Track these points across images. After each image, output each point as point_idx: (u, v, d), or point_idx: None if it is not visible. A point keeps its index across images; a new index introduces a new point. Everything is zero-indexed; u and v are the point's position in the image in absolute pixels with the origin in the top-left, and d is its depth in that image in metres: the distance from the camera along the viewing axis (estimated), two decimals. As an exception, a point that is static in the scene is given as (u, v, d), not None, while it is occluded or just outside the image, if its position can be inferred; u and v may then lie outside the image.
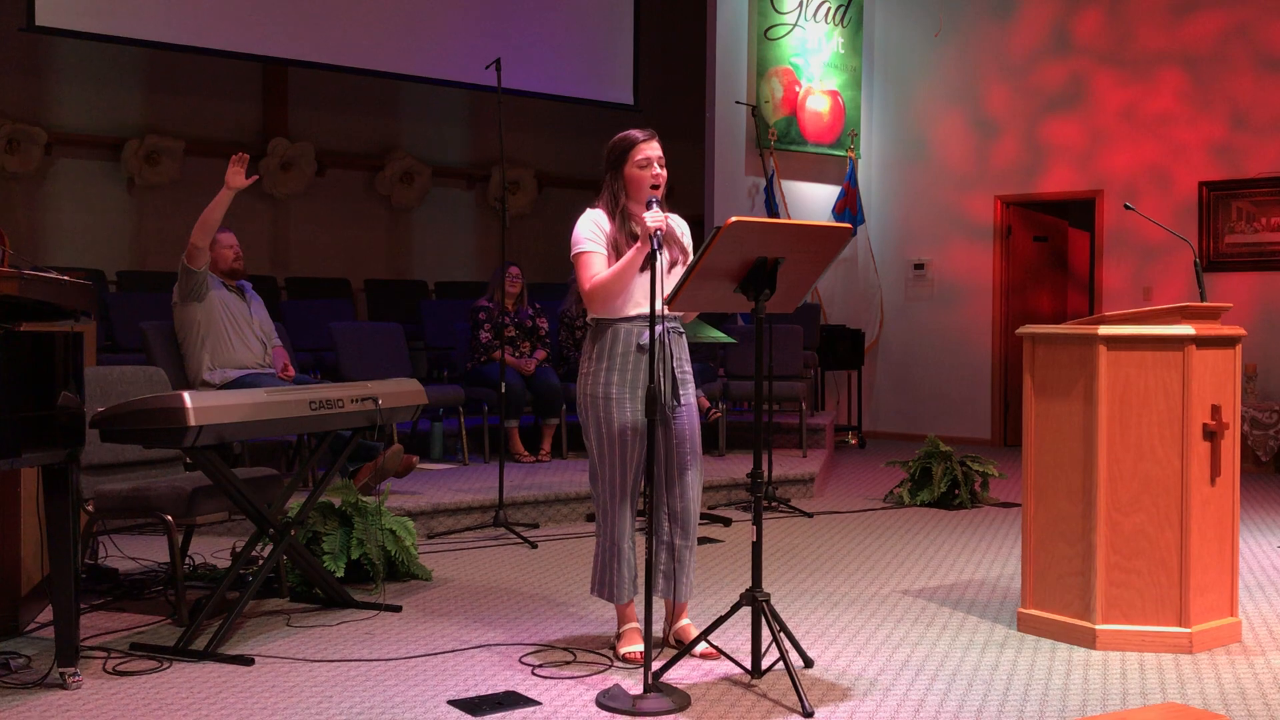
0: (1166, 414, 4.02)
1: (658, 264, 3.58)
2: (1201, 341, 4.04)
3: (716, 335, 5.96)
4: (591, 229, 3.85)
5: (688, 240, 3.98)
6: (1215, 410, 4.07)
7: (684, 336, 3.96)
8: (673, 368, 3.84)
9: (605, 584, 3.89)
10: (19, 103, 8.87)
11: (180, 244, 5.89)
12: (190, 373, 5.94)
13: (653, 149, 3.86)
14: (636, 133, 3.89)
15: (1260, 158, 9.06)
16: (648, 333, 3.77)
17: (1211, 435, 4.06)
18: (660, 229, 3.64)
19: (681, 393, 3.87)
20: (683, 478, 3.91)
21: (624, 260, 3.77)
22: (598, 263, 3.81)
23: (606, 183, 3.91)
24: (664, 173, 3.86)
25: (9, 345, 3.40)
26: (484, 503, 6.16)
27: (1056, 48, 9.97)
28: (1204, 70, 9.30)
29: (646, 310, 3.70)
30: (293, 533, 4.40)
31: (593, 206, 3.92)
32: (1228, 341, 4.18)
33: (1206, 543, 4.08)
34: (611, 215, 3.87)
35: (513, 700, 3.50)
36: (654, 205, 3.73)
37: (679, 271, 3.82)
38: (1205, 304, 4.25)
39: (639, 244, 3.75)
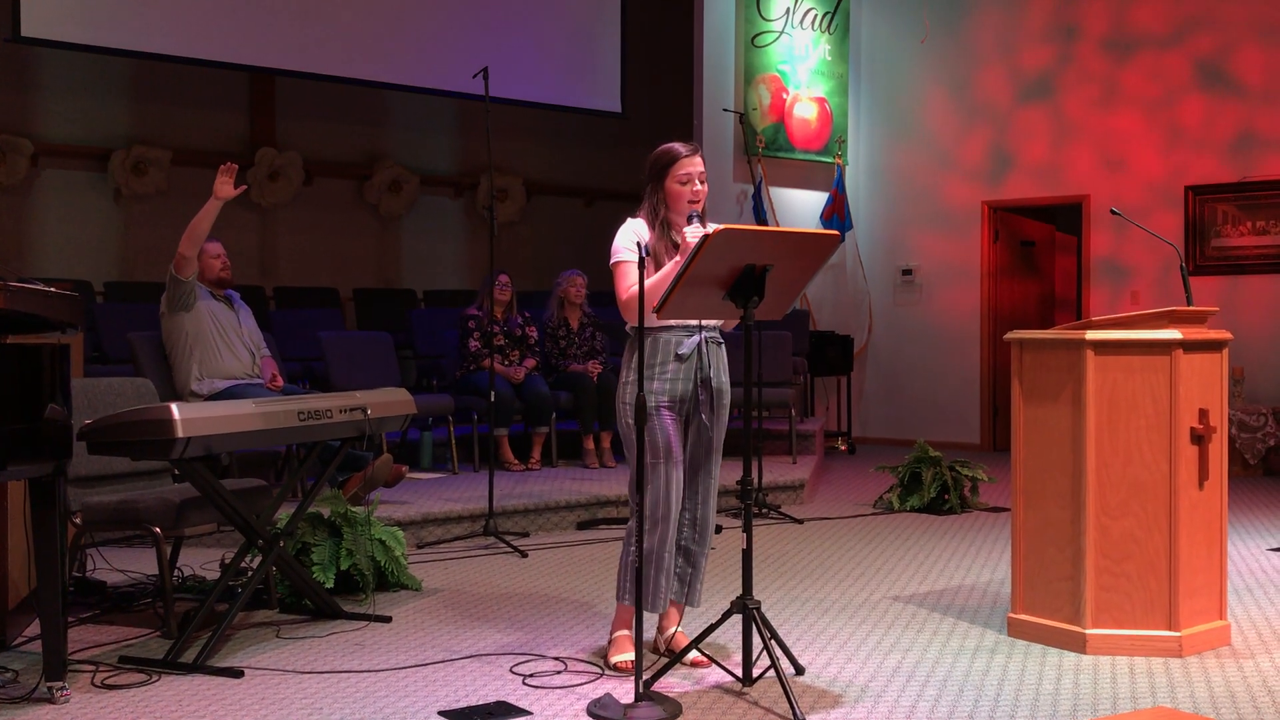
0: (1154, 418, 4.03)
1: (645, 273, 3.59)
2: (1188, 346, 4.06)
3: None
4: (631, 239, 3.85)
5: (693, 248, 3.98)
6: (1203, 414, 4.09)
7: (723, 346, 3.97)
8: (709, 376, 3.85)
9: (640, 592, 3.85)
10: (4, 114, 8.84)
11: (168, 254, 5.88)
12: (178, 383, 5.92)
13: (695, 165, 3.86)
14: (680, 147, 3.89)
15: (1246, 163, 9.11)
16: (687, 342, 3.80)
17: (1199, 439, 4.08)
18: None
19: (718, 403, 3.89)
20: (707, 485, 3.93)
21: (663, 271, 3.78)
22: (634, 273, 3.80)
23: (647, 193, 3.91)
24: (704, 188, 3.87)
25: (-5, 358, 3.39)
26: (474, 512, 6.14)
27: (1045, 56, 10.01)
28: (1192, 78, 9.35)
29: (686, 319, 3.73)
30: (282, 544, 4.39)
31: (633, 216, 3.93)
32: (1214, 345, 4.19)
33: (1195, 546, 4.09)
34: (652, 225, 3.89)
35: (503, 710, 3.50)
36: (694, 220, 3.75)
37: None
38: (1192, 308, 4.25)
39: (679, 256, 3.73)
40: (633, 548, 3.85)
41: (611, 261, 3.88)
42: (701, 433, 3.89)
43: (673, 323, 3.80)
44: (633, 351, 3.85)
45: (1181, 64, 9.38)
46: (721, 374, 3.93)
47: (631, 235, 3.86)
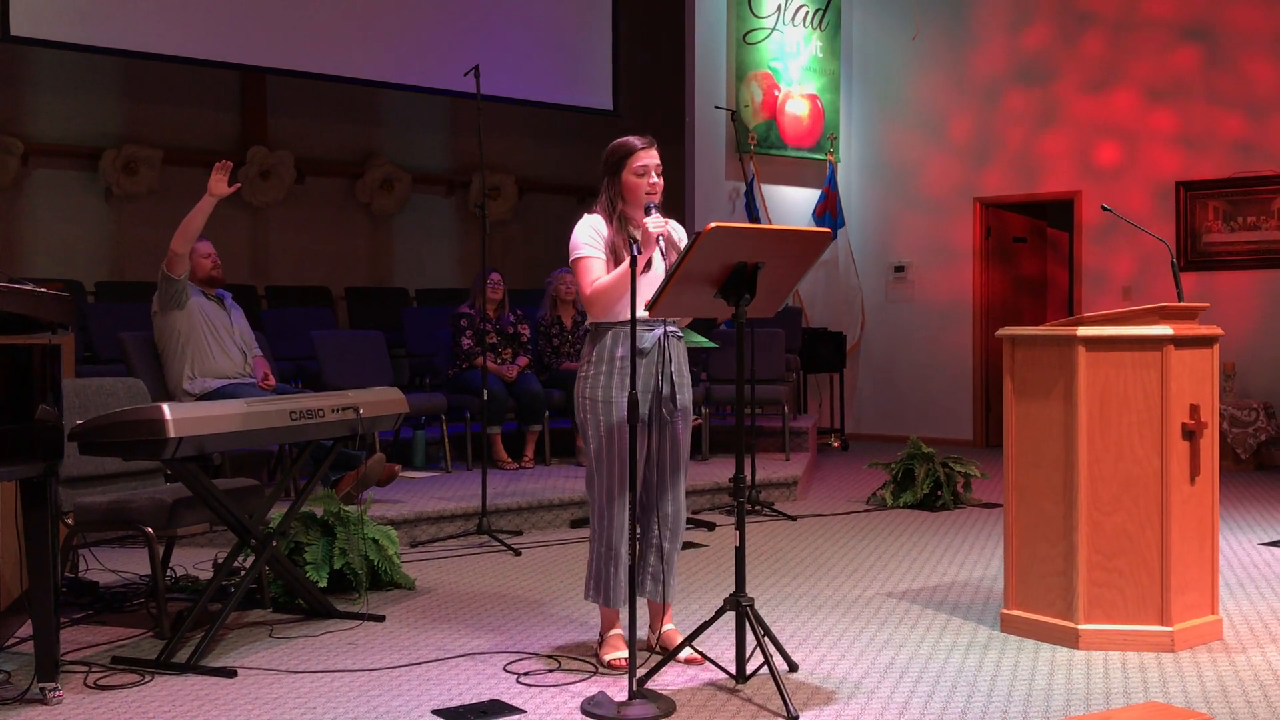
0: (1145, 414, 4.04)
1: (638, 269, 3.59)
2: (1179, 341, 4.07)
3: (698, 340, 5.95)
4: (590, 234, 3.86)
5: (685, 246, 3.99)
6: (1194, 409, 4.09)
7: (683, 341, 3.97)
8: (671, 372, 3.85)
9: (602, 589, 3.87)
10: (-6, 113, 8.83)
11: (159, 254, 5.86)
12: (170, 382, 5.91)
13: (650, 157, 3.88)
14: (635, 140, 3.91)
15: (1236, 160, 9.12)
16: (648, 337, 3.80)
17: (1190, 434, 4.09)
18: (663, 234, 3.65)
19: (679, 397, 3.89)
20: (675, 481, 3.93)
21: (625, 265, 3.77)
22: (597, 267, 3.82)
23: (604, 188, 3.93)
24: (660, 181, 3.89)
25: (-14, 359, 3.38)
26: (467, 510, 6.14)
27: (1037, 52, 10.01)
28: (1181, 76, 9.36)
29: (645, 314, 3.72)
30: (275, 543, 4.38)
31: (590, 211, 3.94)
32: (1205, 341, 4.20)
33: (1187, 541, 4.10)
34: (609, 220, 3.89)
35: (497, 709, 3.50)
36: (653, 211, 3.76)
37: None
38: (1183, 304, 4.27)
39: (641, 248, 3.74)
40: (602, 548, 3.84)
41: (572, 258, 3.88)
42: (665, 428, 3.88)
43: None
44: (593, 346, 3.86)
45: (1180, 61, 9.38)
46: (683, 368, 3.94)
47: (590, 230, 3.87)
